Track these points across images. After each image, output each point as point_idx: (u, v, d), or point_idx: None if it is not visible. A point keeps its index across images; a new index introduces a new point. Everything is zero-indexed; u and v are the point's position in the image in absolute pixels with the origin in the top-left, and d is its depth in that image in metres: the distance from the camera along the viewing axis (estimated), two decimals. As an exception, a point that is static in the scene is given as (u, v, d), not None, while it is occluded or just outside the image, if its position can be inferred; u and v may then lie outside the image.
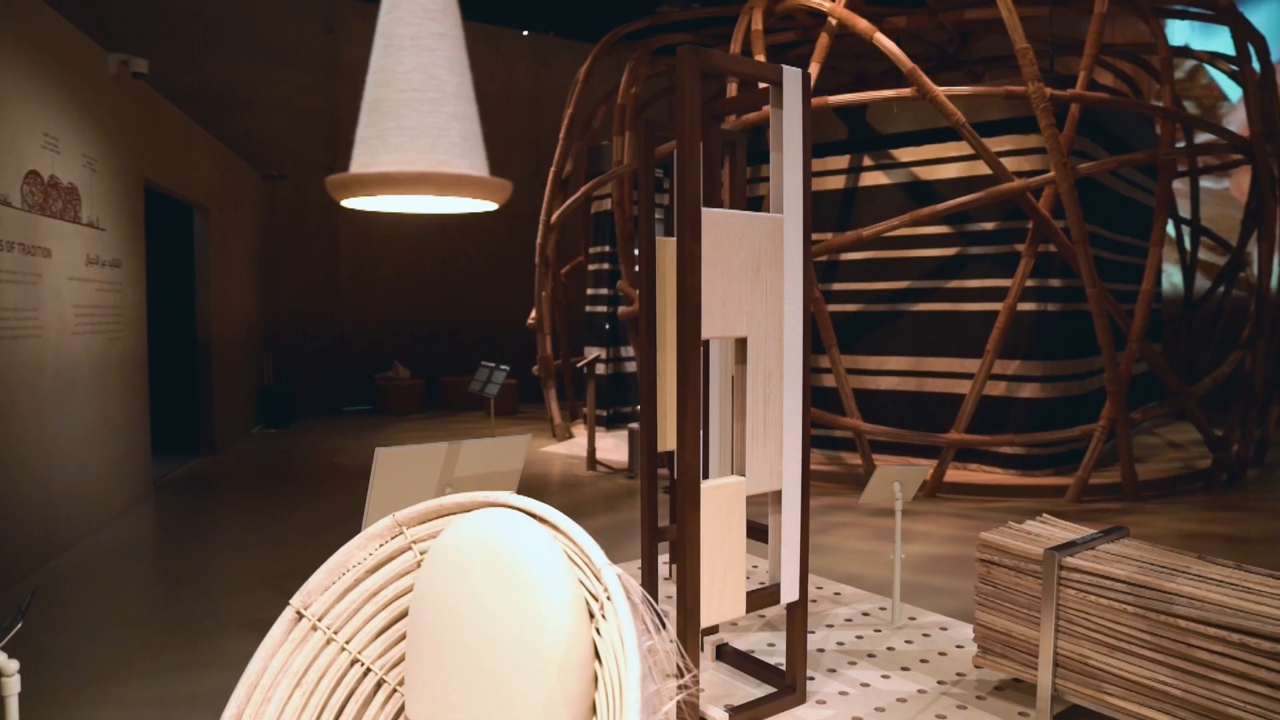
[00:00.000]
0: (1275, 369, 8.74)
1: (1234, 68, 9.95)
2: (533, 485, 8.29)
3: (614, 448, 9.52)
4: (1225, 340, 10.31)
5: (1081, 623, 2.71)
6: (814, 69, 7.73)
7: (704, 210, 2.71)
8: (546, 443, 10.38)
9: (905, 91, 7.29)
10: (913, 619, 3.74)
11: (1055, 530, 3.06)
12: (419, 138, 1.32)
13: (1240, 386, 8.33)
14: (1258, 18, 11.95)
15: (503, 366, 10.33)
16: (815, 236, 8.45)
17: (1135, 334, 7.25)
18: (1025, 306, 7.69)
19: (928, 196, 8.27)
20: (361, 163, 1.35)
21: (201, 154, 9.26)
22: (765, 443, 2.89)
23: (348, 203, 1.34)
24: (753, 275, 2.82)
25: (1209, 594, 2.49)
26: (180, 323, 9.44)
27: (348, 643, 2.17)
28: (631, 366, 10.98)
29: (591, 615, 1.92)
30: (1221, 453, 7.81)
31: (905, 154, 8.43)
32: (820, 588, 4.37)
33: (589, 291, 10.90)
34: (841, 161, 8.72)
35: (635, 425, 8.52)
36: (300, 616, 2.16)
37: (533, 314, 10.40)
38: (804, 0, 7.75)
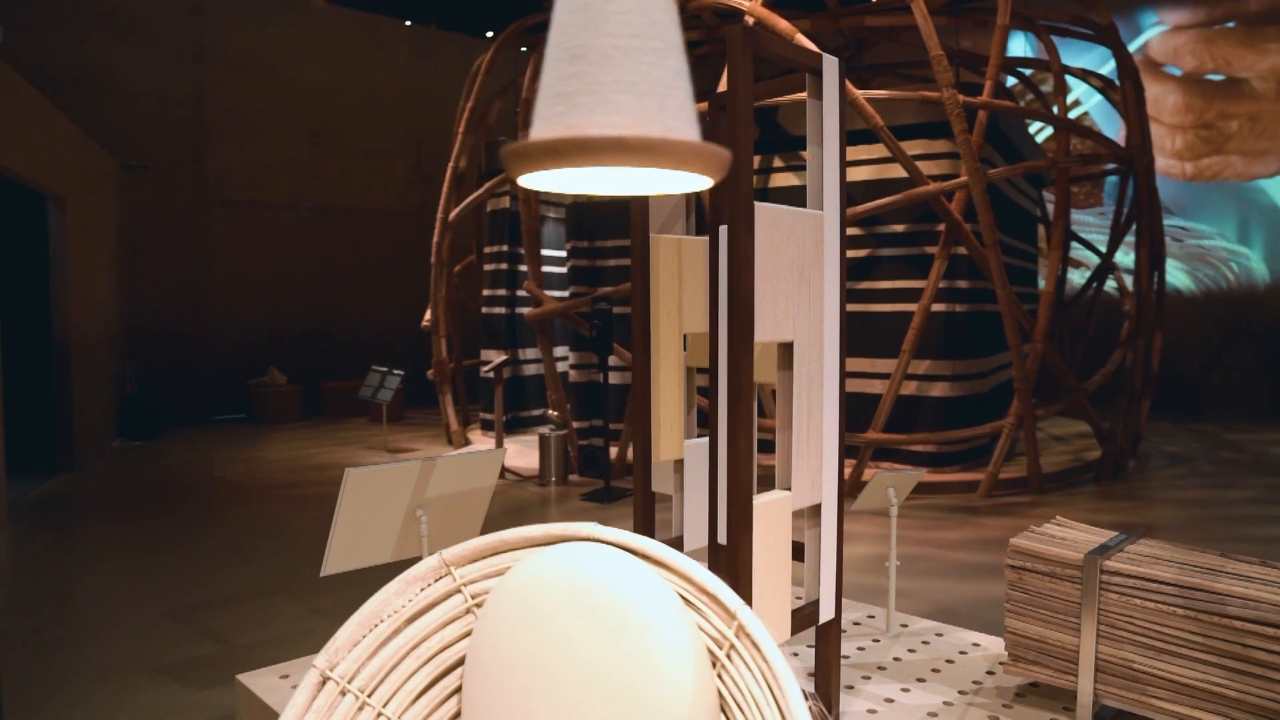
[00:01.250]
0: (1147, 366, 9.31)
1: (1099, 84, 10.59)
2: (443, 496, 7.84)
3: (519, 454, 9.16)
4: (1098, 339, 10.94)
5: (1124, 626, 2.66)
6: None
7: (756, 205, 2.50)
8: (443, 449, 9.91)
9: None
10: (905, 626, 3.65)
11: (1078, 533, 3.02)
12: (646, 96, 1.04)
13: (1121, 382, 8.82)
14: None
15: (396, 371, 9.80)
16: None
17: (1039, 334, 7.53)
18: (936, 307, 7.86)
19: (882, 191, 8.35)
20: (567, 124, 1.04)
21: (56, 137, 8.30)
22: (809, 454, 2.70)
23: (529, 178, 1.04)
24: (798, 276, 2.63)
25: (1262, 594, 2.48)
26: (32, 325, 8.42)
27: (385, 706, 1.83)
28: (531, 369, 10.63)
29: (714, 662, 1.68)
30: (1110, 445, 8.23)
31: (857, 151, 8.48)
32: (799, 598, 4.24)
33: (485, 292, 10.49)
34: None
35: (546, 430, 8.22)
36: (326, 679, 1.80)
37: (427, 315, 9.90)
38: (722, -2, 7.67)
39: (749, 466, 2.48)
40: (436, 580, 1.95)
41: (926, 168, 7.89)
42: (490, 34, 14.00)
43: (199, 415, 12.17)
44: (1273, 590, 2.50)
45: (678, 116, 1.07)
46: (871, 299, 8.29)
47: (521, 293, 10.42)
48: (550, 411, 8.41)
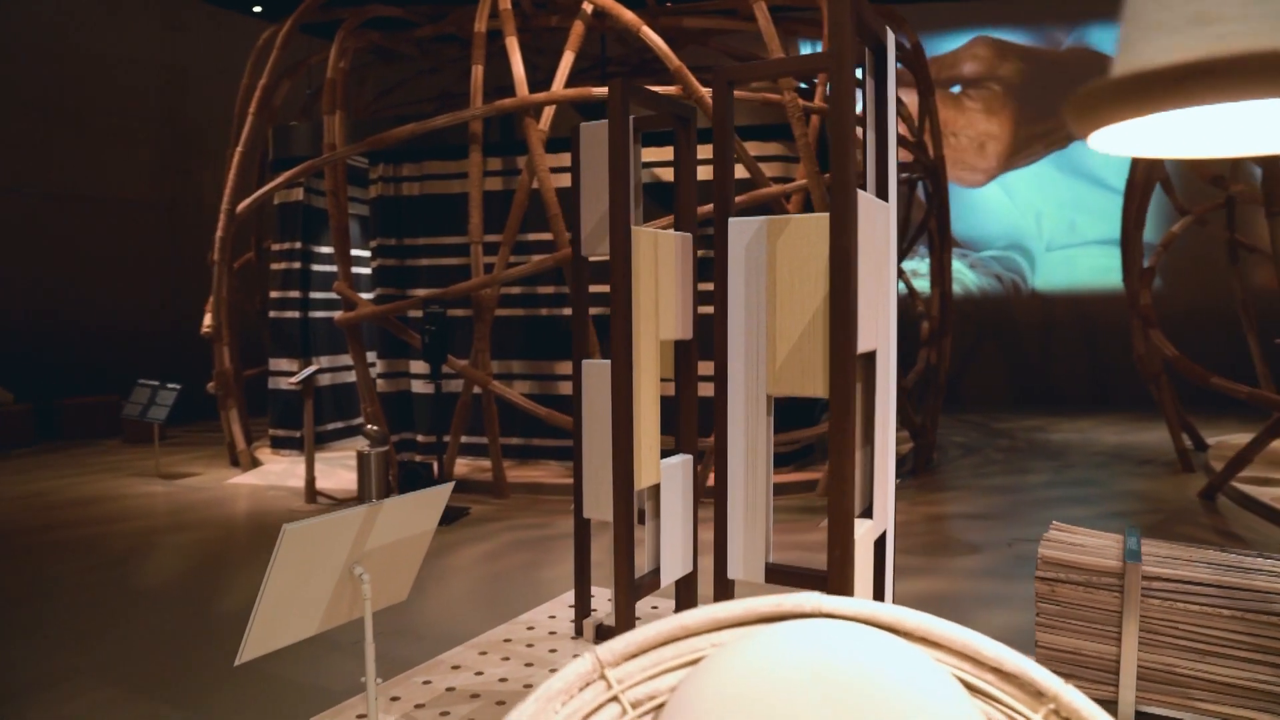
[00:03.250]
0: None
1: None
2: (245, 532, 6.81)
3: (326, 474, 8.19)
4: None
5: (1166, 631, 2.62)
6: (568, 57, 7.28)
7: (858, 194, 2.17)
8: (229, 473, 8.67)
9: (671, 89, 7.11)
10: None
11: (1088, 539, 2.96)
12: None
13: (927, 379, 9.40)
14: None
15: (170, 385, 8.46)
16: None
17: (924, 334, 7.79)
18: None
19: (666, 198, 8.20)
20: (1245, 40, 0.65)
21: None
22: (883, 476, 2.41)
23: (1106, 136, 0.64)
24: (876, 275, 2.33)
25: (1303, 592, 2.51)
26: None
27: None
28: (325, 379, 9.59)
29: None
30: (922, 440, 8.72)
31: (648, 154, 8.27)
32: None
33: (274, 294, 9.32)
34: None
35: (365, 447, 7.37)
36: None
37: (207, 320, 8.62)
38: (559, -18, 7.25)
39: (851, 495, 2.15)
40: (583, 688, 1.45)
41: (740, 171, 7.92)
42: (258, 9, 12.56)
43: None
44: (1312, 587, 2.54)
45: None
46: (704, 301, 8.20)
47: (317, 295, 9.37)
48: (369, 426, 7.56)
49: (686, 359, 3.19)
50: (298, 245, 9.17)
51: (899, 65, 9.37)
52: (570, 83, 7.70)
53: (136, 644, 4.39)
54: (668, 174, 8.21)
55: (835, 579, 2.08)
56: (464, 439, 8.10)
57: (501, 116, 7.99)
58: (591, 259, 3.69)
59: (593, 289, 7.82)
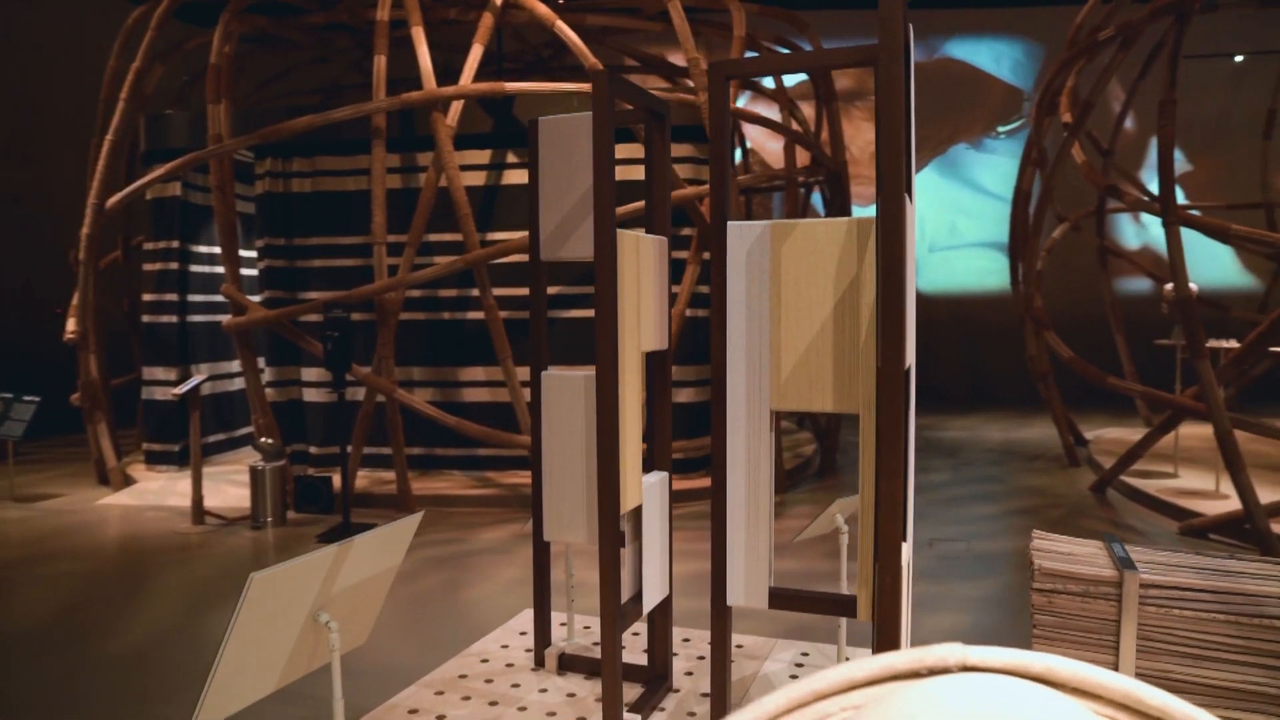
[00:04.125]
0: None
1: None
2: (125, 560, 6.20)
3: (211, 491, 7.58)
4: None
5: (1162, 638, 2.63)
6: (476, 51, 6.99)
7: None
8: (97, 493, 7.92)
9: (585, 86, 6.92)
10: (848, 660, 3.40)
11: (1076, 547, 2.95)
12: None
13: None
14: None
15: (28, 398, 7.65)
16: (511, 236, 7.67)
17: (780, 337, 7.82)
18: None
19: (577, 199, 8.01)
20: None
21: None
22: (908, 496, 2.30)
23: None
24: (909, 281, 2.22)
25: (1294, 594, 2.56)
26: None
27: None
28: (209, 388, 8.89)
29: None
30: (828, 441, 8.84)
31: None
32: (687, 639, 3.80)
33: (147, 297, 8.58)
34: (483, 156, 8.02)
35: (258, 461, 6.85)
36: None
37: (71, 325, 7.84)
38: (468, -28, 6.94)
39: (899, 520, 2.02)
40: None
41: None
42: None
43: None
44: (1300, 590, 2.59)
45: None
46: (591, 304, 8.05)
47: (196, 298, 8.68)
48: (262, 439, 7.04)
49: (661, 370, 3.03)
50: (175, 244, 8.46)
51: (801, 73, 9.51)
52: (450, 80, 7.38)
53: (9, 702, 3.87)
54: (627, 172, 7.98)
55: (887, 609, 1.95)
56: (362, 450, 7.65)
57: (401, 111, 7.59)
58: (556, 260, 3.47)
59: (500, 292, 7.56)
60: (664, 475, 3.08)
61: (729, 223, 2.53)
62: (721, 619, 2.61)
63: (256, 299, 7.97)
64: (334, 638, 2.37)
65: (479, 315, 8.06)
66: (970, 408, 13.30)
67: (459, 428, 7.06)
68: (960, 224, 14.32)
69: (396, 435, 7.09)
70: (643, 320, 2.83)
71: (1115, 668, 2.68)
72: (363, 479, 7.81)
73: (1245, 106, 12.65)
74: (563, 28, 6.78)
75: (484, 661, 3.51)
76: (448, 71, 10.74)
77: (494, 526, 6.80)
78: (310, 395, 8.23)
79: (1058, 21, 13.81)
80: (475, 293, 8.04)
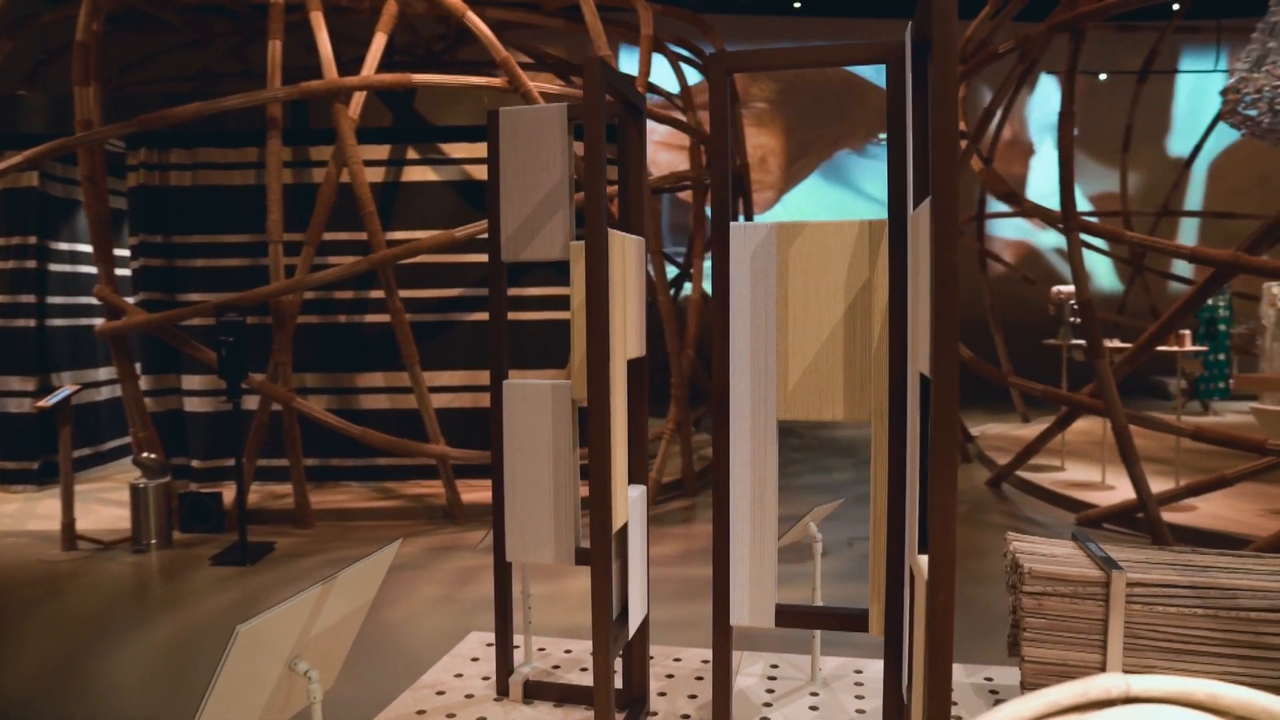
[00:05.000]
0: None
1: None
2: (-5, 589, 5.56)
3: (79, 512, 6.91)
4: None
5: (1146, 634, 2.69)
6: (380, 40, 6.65)
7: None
8: (-57, 519, 7.09)
9: (495, 81, 6.68)
10: (820, 669, 3.34)
11: (1055, 548, 2.99)
12: None
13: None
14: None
15: None
16: (412, 235, 7.31)
17: (691, 339, 7.78)
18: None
19: (480, 198, 7.74)
20: None
21: None
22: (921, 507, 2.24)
23: None
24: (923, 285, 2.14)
25: (1267, 584, 2.66)
26: None
27: None
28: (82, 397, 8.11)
29: None
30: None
31: (457, 149, 7.75)
32: (651, 656, 3.65)
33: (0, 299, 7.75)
34: (381, 152, 7.65)
35: (139, 479, 6.28)
36: None
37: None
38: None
39: (953, 536, 1.96)
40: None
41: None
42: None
43: None
44: (1275, 579, 2.70)
45: None
46: (519, 307, 7.83)
47: (56, 300, 7.90)
48: (144, 454, 6.46)
49: (638, 379, 2.89)
50: (31, 241, 7.68)
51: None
52: (348, 70, 6.98)
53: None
54: (479, 171, 7.74)
55: (939, 629, 1.87)
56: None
57: (294, 102, 7.13)
58: (518, 260, 3.26)
59: (404, 294, 7.20)
60: (643, 489, 2.94)
61: (732, 224, 2.42)
62: (724, 640, 2.49)
63: (132, 301, 7.31)
64: (315, 687, 2.12)
65: (378, 318, 7.68)
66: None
67: (363, 437, 6.68)
68: (843, 228, 14.74)
69: (294, 446, 6.65)
70: (628, 326, 2.68)
71: (1103, 667, 2.72)
72: (253, 494, 7.29)
73: (1104, 122, 13.53)
74: (474, 19, 6.51)
75: (440, 694, 3.27)
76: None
77: (401, 540, 6.46)
78: (192, 405, 7.63)
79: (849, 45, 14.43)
80: (374, 294, 7.66)
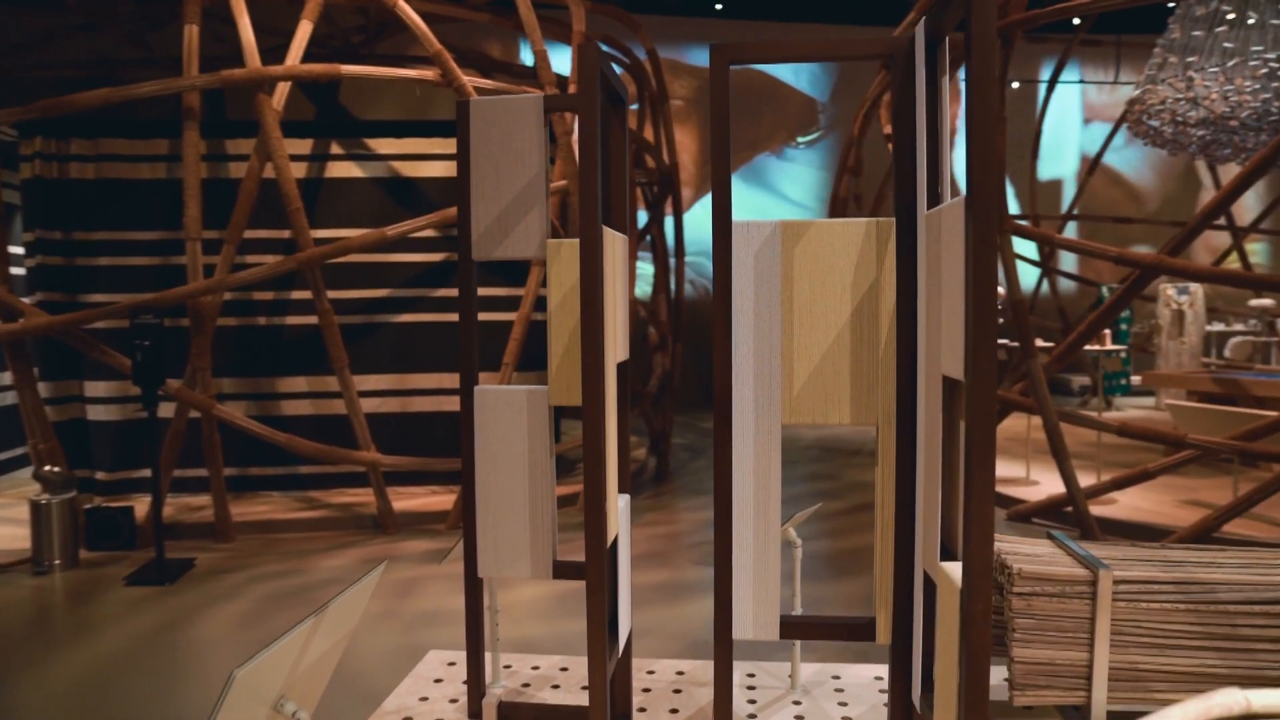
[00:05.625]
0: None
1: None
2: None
3: (-29, 533, 6.39)
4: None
5: (1130, 630, 2.72)
6: (305, 28, 6.35)
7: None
8: None
9: (428, 73, 6.45)
10: (791, 676, 3.29)
11: (1035, 547, 3.00)
12: None
13: (661, 386, 9.51)
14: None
15: None
16: (336, 233, 6.99)
17: (653, 340, 7.70)
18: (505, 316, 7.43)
19: (408, 195, 7.49)
20: None
21: None
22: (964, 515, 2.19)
23: None
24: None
25: (1244, 576, 2.73)
26: None
27: None
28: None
29: None
30: (664, 444, 8.83)
31: (384, 145, 7.47)
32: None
33: (-128, 300, 7.07)
34: (304, 146, 7.31)
35: (40, 494, 5.83)
36: None
37: None
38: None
39: (990, 550, 1.91)
40: None
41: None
42: None
43: None
44: (1251, 571, 2.77)
45: None
46: (449, 308, 7.60)
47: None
48: (46, 467, 5.99)
49: (621, 383, 2.77)
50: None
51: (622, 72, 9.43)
52: (266, 61, 6.65)
53: None
54: (407, 168, 7.49)
55: (976, 637, 1.82)
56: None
57: (209, 91, 6.75)
58: (489, 259, 3.10)
59: (331, 295, 6.89)
60: (627, 498, 2.83)
61: (735, 222, 2.33)
62: (725, 654, 2.40)
63: (28, 302, 6.79)
64: (306, 727, 1.94)
65: (300, 320, 7.35)
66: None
67: (290, 446, 6.36)
68: (762, 229, 14.88)
69: (215, 456, 6.29)
70: (617, 329, 2.57)
71: (1090, 665, 2.74)
72: (166, 507, 6.86)
73: (1013, 130, 14.03)
74: (405, 9, 6.27)
75: None
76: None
77: (331, 552, 6.18)
78: (96, 413, 7.14)
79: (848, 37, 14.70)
80: (295, 295, 7.32)
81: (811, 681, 3.23)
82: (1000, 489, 7.34)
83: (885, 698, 3.08)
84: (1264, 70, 7.68)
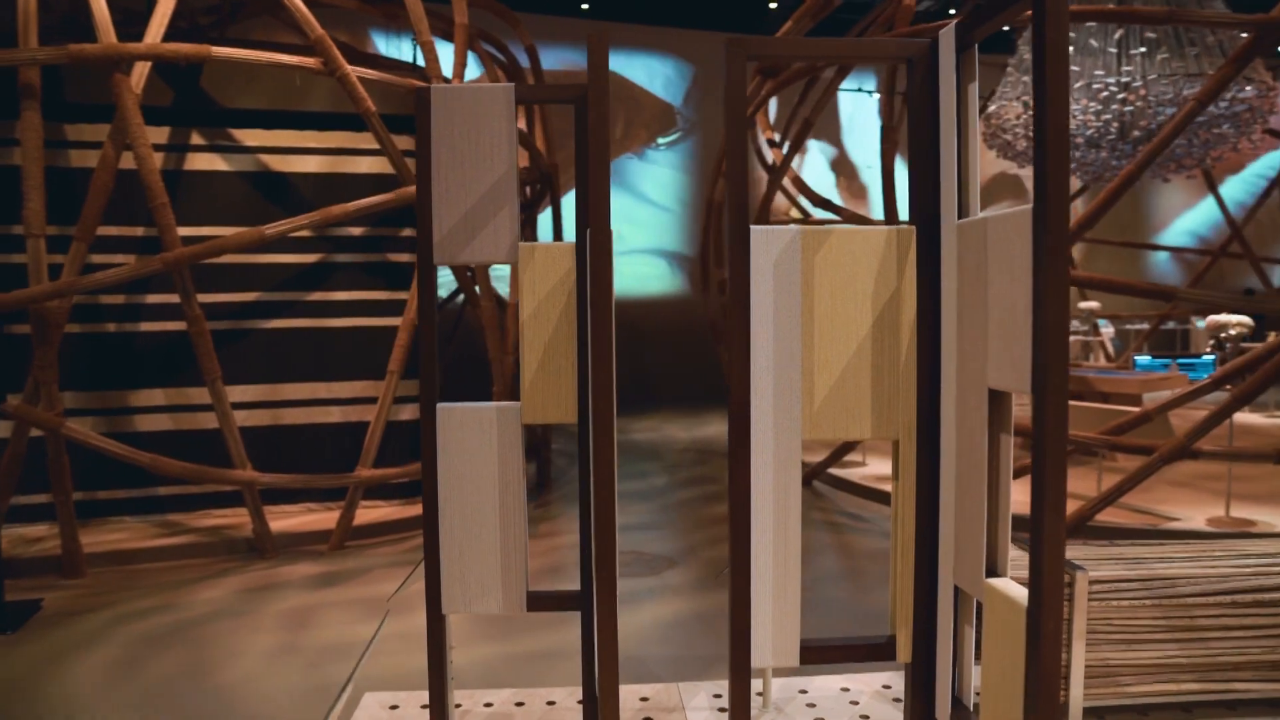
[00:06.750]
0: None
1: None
2: None
3: None
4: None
5: (1102, 628, 2.82)
6: (167, 3, 5.79)
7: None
8: None
9: (309, 61, 6.00)
10: (760, 694, 3.21)
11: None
12: None
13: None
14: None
15: None
16: (197, 232, 6.36)
17: (508, 347, 7.45)
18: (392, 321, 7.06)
19: (278, 191, 6.97)
20: None
21: None
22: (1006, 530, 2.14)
23: None
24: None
25: (1202, 570, 2.88)
26: None
27: None
28: None
29: None
30: (547, 450, 8.63)
31: (252, 136, 6.91)
32: (551, 702, 3.32)
33: None
34: (160, 135, 6.65)
35: None
36: None
37: None
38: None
39: (1061, 565, 1.88)
40: None
41: (376, 164, 7.08)
42: None
43: None
44: (1200, 564, 2.93)
45: None
46: (323, 313, 7.13)
47: None
48: None
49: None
50: None
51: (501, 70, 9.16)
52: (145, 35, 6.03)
53: None
54: (278, 162, 6.96)
55: (1046, 659, 1.78)
56: None
57: (45, 68, 6.01)
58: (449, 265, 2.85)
59: (204, 299, 6.28)
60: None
61: (754, 228, 2.21)
62: (742, 682, 2.27)
63: None
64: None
65: (155, 326, 6.68)
66: (644, 409, 13.82)
67: (154, 466, 5.75)
68: (626, 231, 14.89)
69: (62, 480, 5.60)
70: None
71: (1069, 664, 2.81)
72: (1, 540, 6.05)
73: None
74: (292, -10, 5.80)
75: (361, 772, 2.78)
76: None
77: (204, 583, 5.63)
78: (-93, 435, 6.20)
79: (705, 43, 14.95)
80: (151, 299, 6.66)
81: (781, 698, 3.17)
82: (883, 486, 7.60)
83: (856, 710, 3.05)
84: (1104, 94, 8.33)
